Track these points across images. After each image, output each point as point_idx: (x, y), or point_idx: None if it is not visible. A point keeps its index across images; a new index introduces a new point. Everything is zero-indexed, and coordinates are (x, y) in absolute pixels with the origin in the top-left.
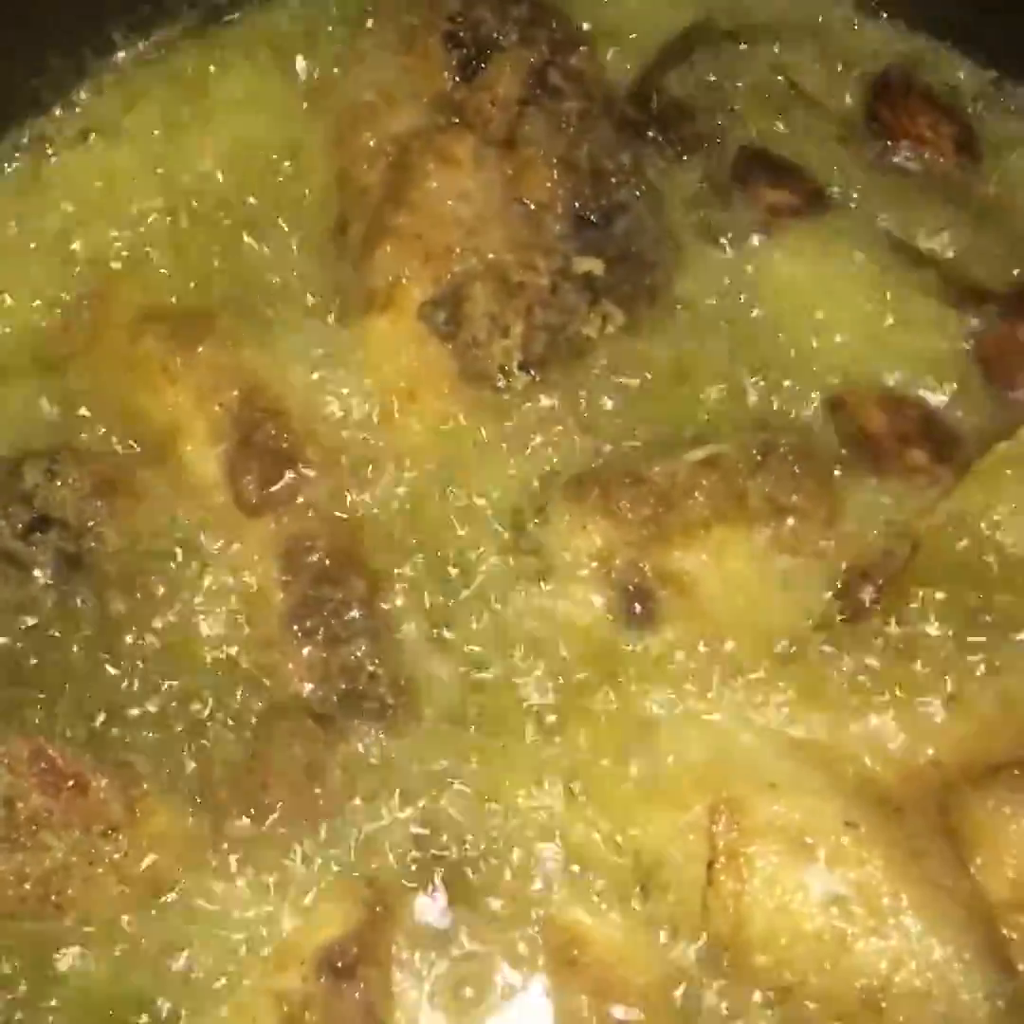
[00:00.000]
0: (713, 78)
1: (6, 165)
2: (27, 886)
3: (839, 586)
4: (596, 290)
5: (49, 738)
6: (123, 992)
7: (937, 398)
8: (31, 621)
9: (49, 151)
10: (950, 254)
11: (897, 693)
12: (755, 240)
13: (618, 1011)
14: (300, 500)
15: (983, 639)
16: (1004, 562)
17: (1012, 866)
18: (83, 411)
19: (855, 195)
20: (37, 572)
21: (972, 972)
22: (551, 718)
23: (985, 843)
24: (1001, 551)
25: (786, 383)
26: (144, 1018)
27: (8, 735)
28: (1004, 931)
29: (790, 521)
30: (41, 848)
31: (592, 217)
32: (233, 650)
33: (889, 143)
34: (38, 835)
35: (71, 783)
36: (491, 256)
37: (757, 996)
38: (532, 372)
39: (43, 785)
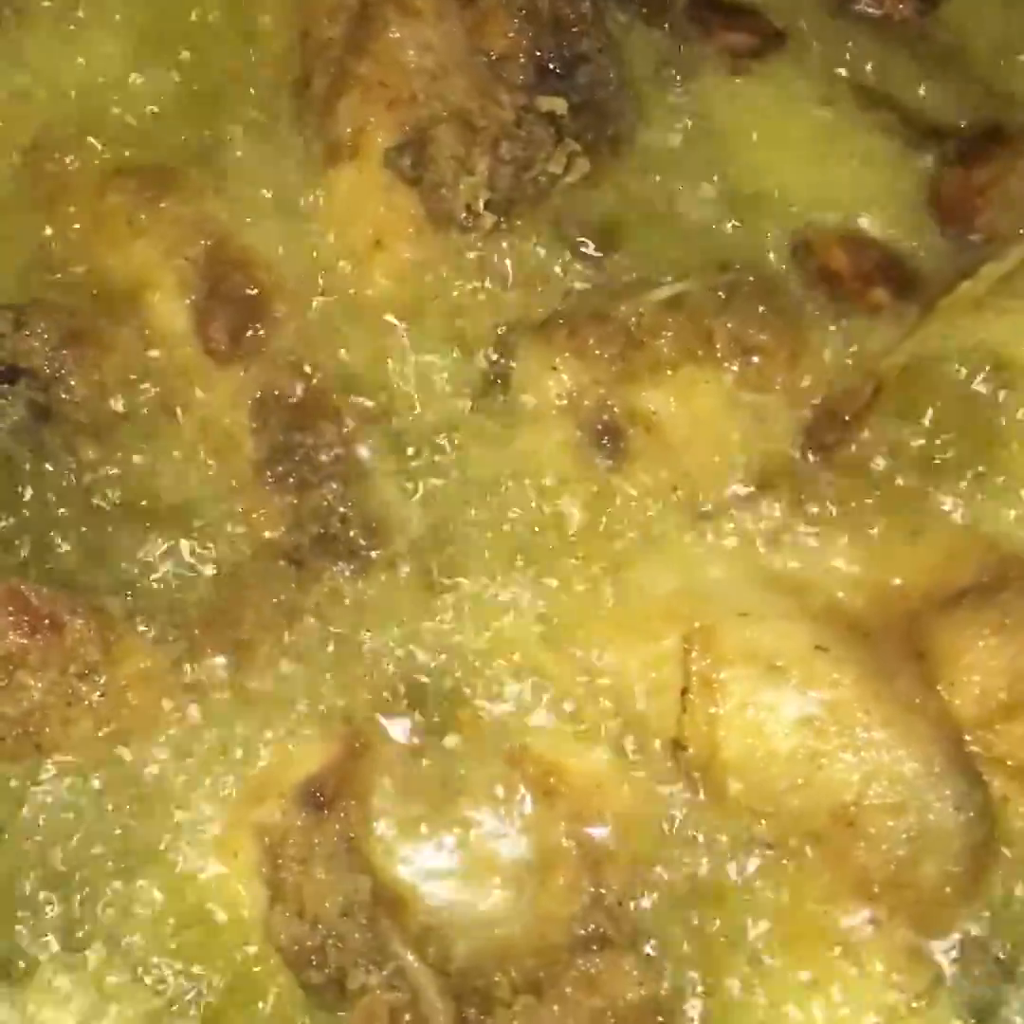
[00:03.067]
0: None
1: None
2: (5, 725)
3: (805, 422)
4: (561, 128)
5: (23, 579)
6: (104, 829)
7: (898, 239)
8: (3, 470)
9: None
10: (909, 97)
11: (862, 525)
12: (715, 87)
13: (596, 832)
14: (268, 348)
15: (945, 472)
16: (965, 397)
17: (978, 685)
18: (50, 265)
19: (816, 42)
20: (5, 423)
21: (941, 784)
22: (521, 555)
23: (951, 664)
24: (962, 387)
25: (749, 225)
26: (122, 857)
27: None
28: (972, 747)
29: (755, 359)
30: (19, 688)
31: (554, 67)
32: (206, 496)
33: None
34: (15, 675)
35: (46, 623)
36: (455, 102)
37: (732, 817)
38: (498, 215)
39: (18, 625)
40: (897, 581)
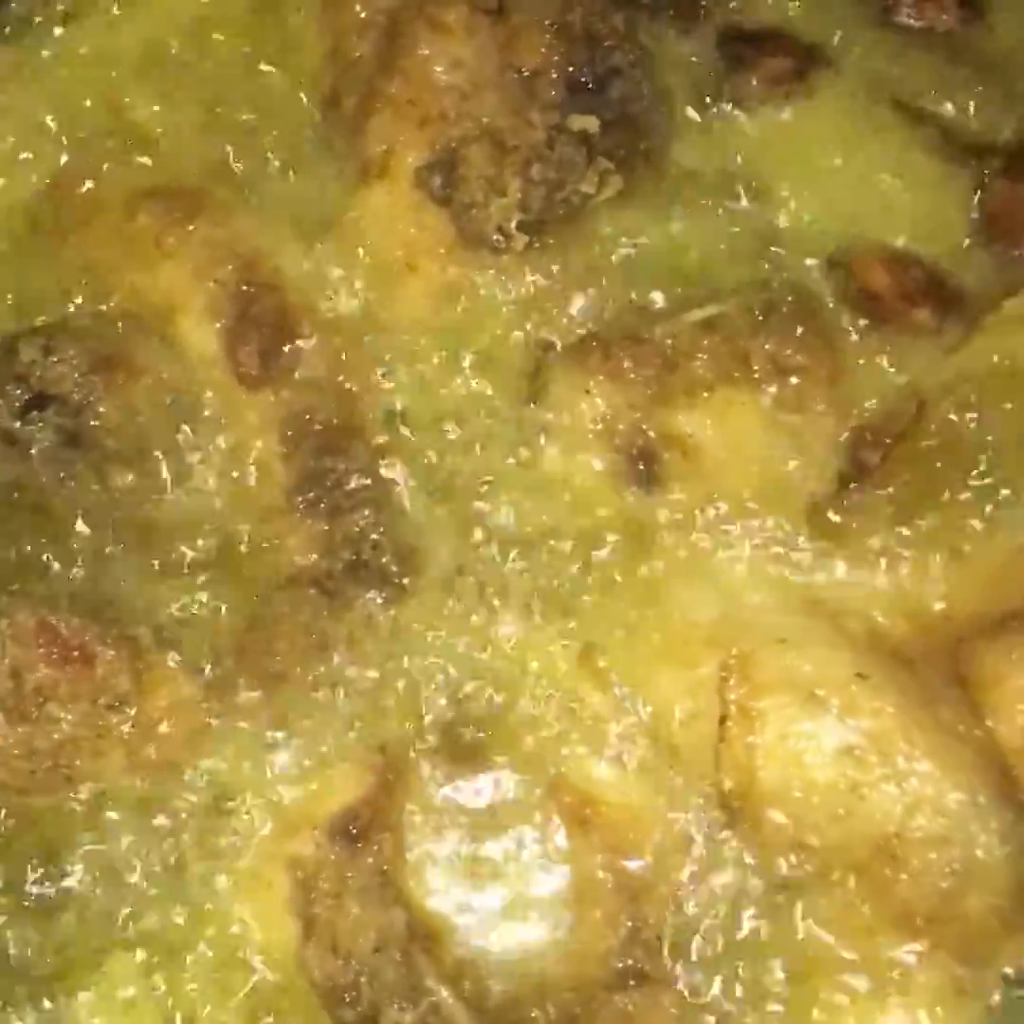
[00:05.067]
0: None
1: None
2: (36, 759)
3: (844, 445)
4: (593, 147)
5: (54, 610)
6: (134, 861)
7: (941, 257)
8: (33, 498)
9: (35, 28)
10: (952, 112)
11: (904, 549)
12: (752, 103)
13: (632, 866)
14: (299, 373)
15: (988, 495)
16: (1010, 419)
17: (1023, 713)
18: (78, 289)
19: (856, 55)
20: (36, 450)
21: (987, 815)
22: (557, 581)
23: (996, 691)
24: (1007, 408)
25: (787, 243)
26: (154, 888)
27: (13, 608)
28: (1017, 777)
29: (793, 381)
30: (49, 720)
31: (586, 82)
32: (236, 523)
33: (890, 1)
34: (45, 707)
35: (77, 654)
36: (486, 121)
37: (770, 849)
38: (530, 235)
39: (49, 657)
40: (940, 605)
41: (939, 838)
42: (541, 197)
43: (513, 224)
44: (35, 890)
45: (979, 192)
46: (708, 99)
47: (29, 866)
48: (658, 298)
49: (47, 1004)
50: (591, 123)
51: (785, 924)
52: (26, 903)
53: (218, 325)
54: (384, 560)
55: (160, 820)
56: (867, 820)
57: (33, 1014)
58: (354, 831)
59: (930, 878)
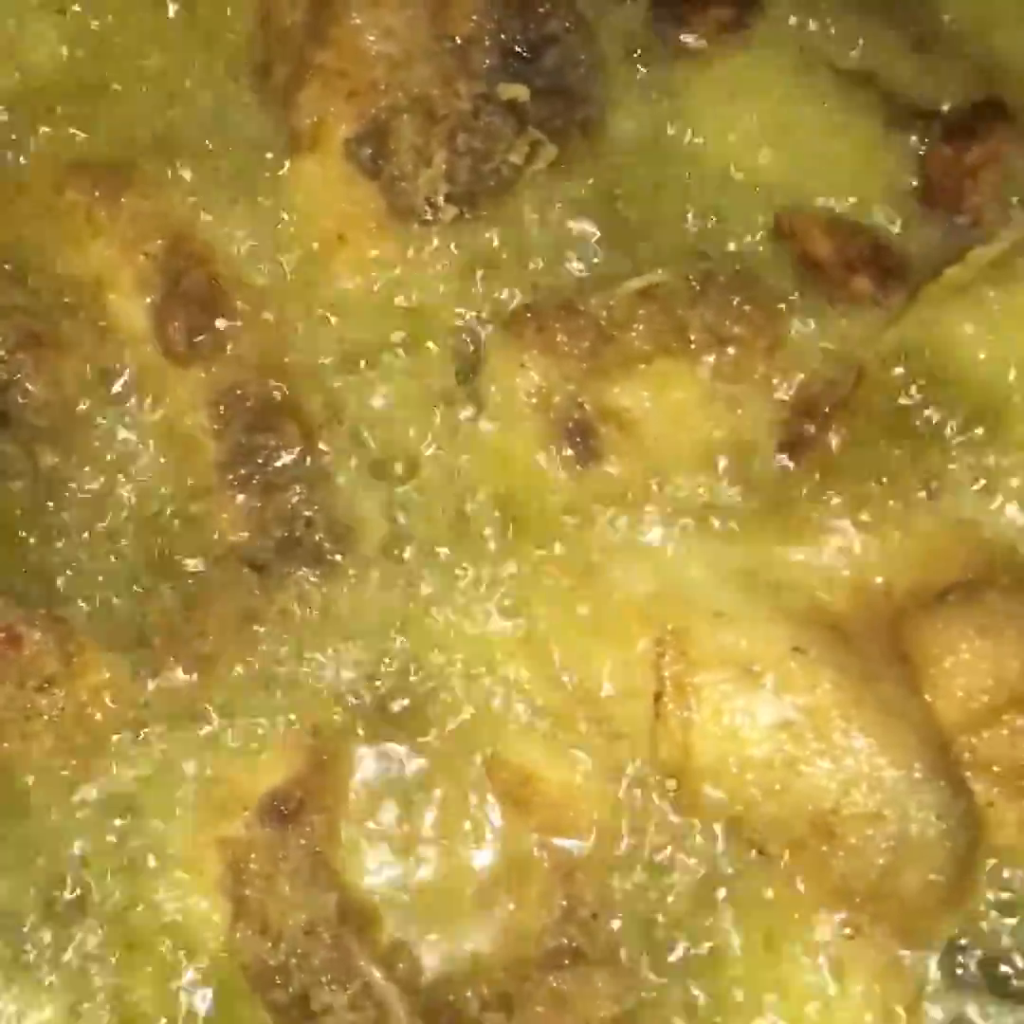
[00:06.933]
0: None
1: None
2: None
3: (783, 416)
4: (523, 117)
5: None
6: (63, 845)
7: (883, 223)
8: None
9: None
10: (895, 75)
11: (843, 522)
12: (690, 68)
13: (568, 844)
14: (229, 348)
15: (928, 467)
16: (950, 389)
17: (961, 687)
18: (3, 266)
19: (794, 18)
20: None
21: (923, 792)
22: (492, 558)
23: (935, 667)
24: (947, 379)
25: (726, 211)
26: (86, 873)
27: None
28: (955, 752)
29: (732, 351)
30: None
31: (520, 50)
32: (167, 501)
33: None
34: None
35: (2, 636)
36: (417, 91)
37: (707, 826)
38: (460, 207)
39: None
40: (879, 579)
41: (875, 814)
42: (468, 168)
43: (441, 196)
44: None
45: (921, 158)
46: (645, 65)
47: None
48: (594, 268)
49: None
50: (521, 92)
51: (723, 902)
52: None
53: (147, 301)
54: (317, 537)
55: (88, 803)
56: (803, 796)
57: None
58: (285, 812)
59: (866, 854)
